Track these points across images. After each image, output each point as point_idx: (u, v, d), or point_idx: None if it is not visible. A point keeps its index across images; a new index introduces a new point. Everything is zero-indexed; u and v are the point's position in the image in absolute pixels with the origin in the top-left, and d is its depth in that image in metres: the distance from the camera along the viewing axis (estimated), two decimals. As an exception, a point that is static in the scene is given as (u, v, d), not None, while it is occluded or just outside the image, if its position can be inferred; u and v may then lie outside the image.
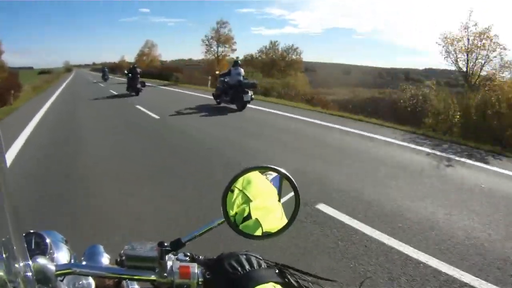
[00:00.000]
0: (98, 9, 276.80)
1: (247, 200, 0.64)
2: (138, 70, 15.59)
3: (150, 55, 47.92)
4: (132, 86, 14.96)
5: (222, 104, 10.47)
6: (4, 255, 0.43)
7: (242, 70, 10.03)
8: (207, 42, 31.03)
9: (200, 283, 0.57)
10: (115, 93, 16.49)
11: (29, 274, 0.46)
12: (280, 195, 0.67)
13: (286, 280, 0.54)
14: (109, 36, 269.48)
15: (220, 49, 30.88)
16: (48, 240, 0.66)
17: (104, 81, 27.24)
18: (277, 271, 0.56)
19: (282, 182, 0.66)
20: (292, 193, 0.64)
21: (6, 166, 0.41)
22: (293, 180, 0.63)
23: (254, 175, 0.66)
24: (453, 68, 13.78)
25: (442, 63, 14.13)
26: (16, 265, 0.44)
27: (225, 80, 10.05)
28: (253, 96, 9.54)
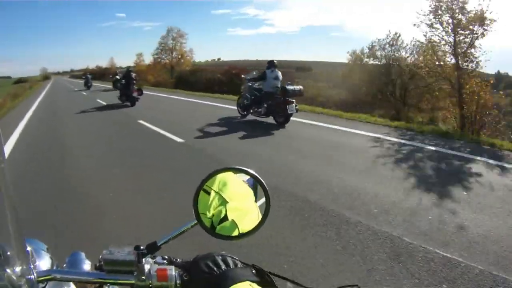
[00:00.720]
0: (73, 14, 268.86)
1: (223, 202, 0.64)
2: (133, 75, 13.09)
3: (180, 51, 32.85)
4: (127, 95, 12.49)
5: (250, 117, 8.17)
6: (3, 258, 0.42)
7: (280, 74, 7.74)
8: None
9: (178, 285, 0.58)
10: (103, 103, 14.05)
11: (32, 277, 0.46)
12: (256, 196, 0.68)
13: (263, 279, 0.55)
14: (85, 42, 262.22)
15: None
16: (29, 248, 0.62)
17: (87, 88, 24.93)
18: (253, 271, 0.56)
19: (257, 183, 0.66)
20: (263, 194, 0.65)
21: (6, 166, 0.40)
22: (262, 180, 0.64)
23: (230, 177, 0.66)
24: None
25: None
26: (18, 268, 0.44)
27: (256, 86, 7.88)
28: (297, 107, 7.22)
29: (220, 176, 0.66)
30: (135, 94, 12.32)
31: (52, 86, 36.92)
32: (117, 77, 13.68)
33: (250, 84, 8.00)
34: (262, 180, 0.65)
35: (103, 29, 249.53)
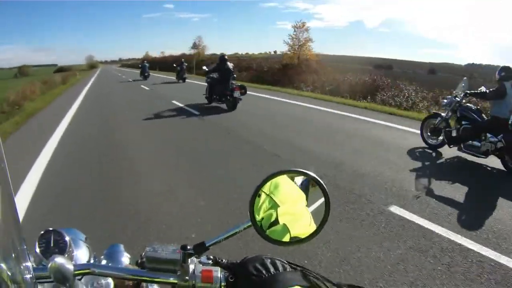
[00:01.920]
0: (121, 5, 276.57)
1: (274, 205, 0.62)
2: (231, 65, 8.87)
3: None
4: (222, 94, 8.64)
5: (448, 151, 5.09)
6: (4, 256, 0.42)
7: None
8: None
9: (222, 287, 0.56)
10: (183, 106, 9.78)
11: (28, 276, 0.45)
12: (308, 200, 0.64)
13: (312, 284, 0.53)
14: (133, 33, 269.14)
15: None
16: (67, 238, 0.66)
17: (143, 79, 22.02)
18: (302, 274, 0.54)
19: (310, 187, 0.64)
20: (320, 198, 0.62)
21: (6, 166, 0.40)
22: (323, 184, 0.61)
23: (282, 180, 0.64)
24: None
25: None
26: (17, 267, 0.43)
27: (472, 107, 4.94)
28: None
29: (273, 179, 0.62)
30: (236, 94, 8.34)
31: (99, 77, 32.05)
32: (205, 68, 9.79)
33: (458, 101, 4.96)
34: (324, 184, 0.61)
35: (150, 19, 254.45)
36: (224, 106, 8.80)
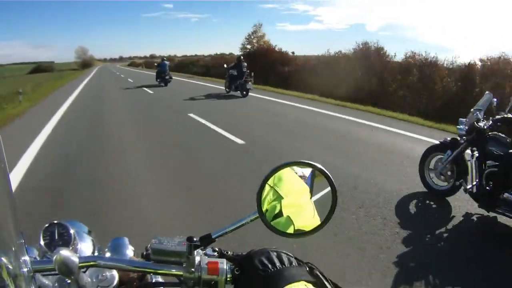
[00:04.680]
0: (119, 4, 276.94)
1: (278, 197, 0.63)
2: (245, 64, 12.10)
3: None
4: (237, 85, 11.81)
5: None
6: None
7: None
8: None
9: (228, 279, 0.56)
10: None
11: (26, 270, 0.45)
12: (312, 193, 0.64)
13: (318, 279, 0.53)
14: (131, 32, 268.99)
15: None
16: (72, 231, 0.67)
17: (162, 84, 15.73)
18: (307, 269, 0.55)
19: (315, 179, 0.64)
20: (325, 190, 0.62)
21: (6, 166, 0.40)
22: (330, 176, 0.61)
23: (285, 172, 0.64)
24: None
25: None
26: (15, 261, 0.43)
27: None
28: None
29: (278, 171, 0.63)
30: (249, 85, 11.47)
31: (94, 83, 21.61)
32: (226, 66, 12.76)
33: None
34: (331, 176, 0.61)
35: (150, 19, 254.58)
36: (238, 93, 11.68)
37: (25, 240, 0.45)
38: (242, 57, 12.67)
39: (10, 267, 0.42)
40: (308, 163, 0.62)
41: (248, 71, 11.52)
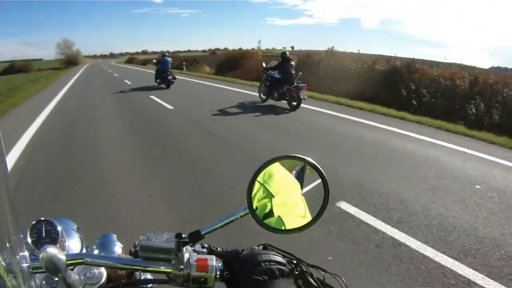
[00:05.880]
0: (109, 1, 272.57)
1: (268, 195, 0.62)
2: (293, 63, 8.89)
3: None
4: (283, 91, 8.39)
5: None
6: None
7: None
8: None
9: (218, 276, 0.56)
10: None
11: (25, 265, 0.45)
12: (303, 188, 0.64)
13: (304, 280, 0.55)
14: (121, 28, 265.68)
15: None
16: (59, 228, 0.67)
17: (163, 85, 12.94)
18: (294, 266, 0.57)
19: (306, 173, 0.63)
20: (315, 183, 0.61)
21: (6, 166, 0.41)
22: (321, 169, 0.60)
23: (275, 168, 0.63)
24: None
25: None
26: (12, 257, 0.43)
27: None
28: None
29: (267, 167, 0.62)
30: (302, 94, 7.90)
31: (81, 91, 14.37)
32: (264, 65, 9.34)
33: None
34: (322, 170, 0.60)
35: (139, 15, 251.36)
36: (279, 103, 8.58)
37: (24, 235, 0.43)
38: (288, 54, 8.78)
39: (7, 263, 0.42)
40: (298, 156, 0.62)
41: (300, 73, 8.38)
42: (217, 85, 14.00)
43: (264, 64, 9.46)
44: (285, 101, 8.35)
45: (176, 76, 13.52)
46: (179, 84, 13.61)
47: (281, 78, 8.40)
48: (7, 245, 0.42)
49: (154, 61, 15.01)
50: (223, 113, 7.85)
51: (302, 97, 7.80)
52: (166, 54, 14.30)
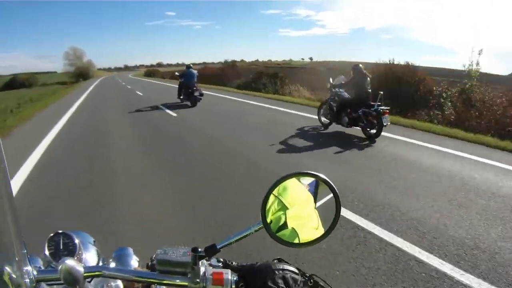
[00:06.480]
0: (123, 12, 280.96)
1: (283, 208, 0.64)
2: (368, 79, 6.84)
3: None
4: (359, 115, 6.41)
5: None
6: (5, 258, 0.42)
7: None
8: None
9: None
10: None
11: (28, 280, 0.45)
12: (316, 202, 0.66)
13: None
14: (134, 40, 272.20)
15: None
16: (77, 241, 0.68)
17: (190, 104, 10.96)
18: (310, 283, 0.58)
19: (319, 188, 0.65)
20: (327, 197, 0.63)
21: (6, 166, 0.40)
22: (334, 185, 0.62)
23: (290, 182, 0.65)
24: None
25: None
26: (19, 270, 0.43)
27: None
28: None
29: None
30: (385, 120, 6.02)
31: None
32: (331, 80, 7.20)
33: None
34: (334, 186, 0.62)
35: (152, 27, 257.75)
36: (348, 130, 6.78)
37: (28, 250, 0.45)
38: (361, 67, 6.81)
39: (14, 276, 0.43)
40: (311, 173, 0.64)
41: (381, 93, 6.16)
42: (253, 102, 11.84)
43: (330, 80, 7.33)
44: (357, 128, 6.52)
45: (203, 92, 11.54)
46: (208, 102, 11.53)
47: (354, 98, 6.63)
48: (13, 259, 0.43)
49: (176, 73, 12.94)
50: (279, 144, 5.95)
51: (384, 124, 5.98)
52: (191, 65, 12.08)
